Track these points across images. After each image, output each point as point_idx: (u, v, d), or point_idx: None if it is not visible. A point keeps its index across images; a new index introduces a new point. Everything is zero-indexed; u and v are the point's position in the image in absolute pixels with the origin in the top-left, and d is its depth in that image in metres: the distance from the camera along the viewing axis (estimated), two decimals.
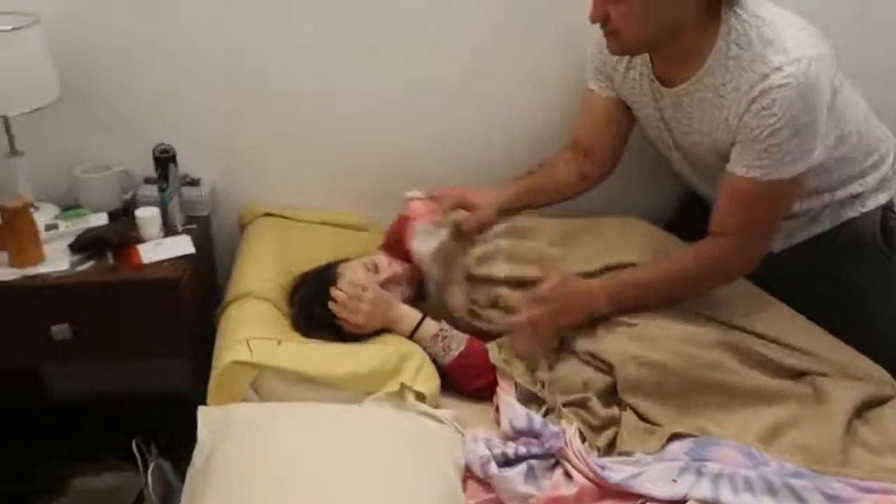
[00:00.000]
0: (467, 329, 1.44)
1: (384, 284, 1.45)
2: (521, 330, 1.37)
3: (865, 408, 1.31)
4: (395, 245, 1.55)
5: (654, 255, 1.49)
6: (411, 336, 1.41)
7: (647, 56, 1.44)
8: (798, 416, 1.29)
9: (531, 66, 1.74)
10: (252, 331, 1.32)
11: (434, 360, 1.37)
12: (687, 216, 1.68)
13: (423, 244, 1.47)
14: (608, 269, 1.45)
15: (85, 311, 1.48)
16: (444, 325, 1.42)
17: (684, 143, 1.47)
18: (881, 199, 1.51)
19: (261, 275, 1.51)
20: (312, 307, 1.43)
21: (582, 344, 1.39)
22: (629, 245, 1.52)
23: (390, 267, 1.49)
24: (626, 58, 1.47)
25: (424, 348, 1.38)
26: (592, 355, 1.37)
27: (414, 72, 1.72)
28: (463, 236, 1.50)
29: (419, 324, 1.41)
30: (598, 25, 1.35)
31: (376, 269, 1.48)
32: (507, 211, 1.55)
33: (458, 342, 1.39)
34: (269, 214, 1.73)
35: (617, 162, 1.63)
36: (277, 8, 1.64)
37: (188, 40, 1.64)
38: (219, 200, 1.77)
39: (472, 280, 1.49)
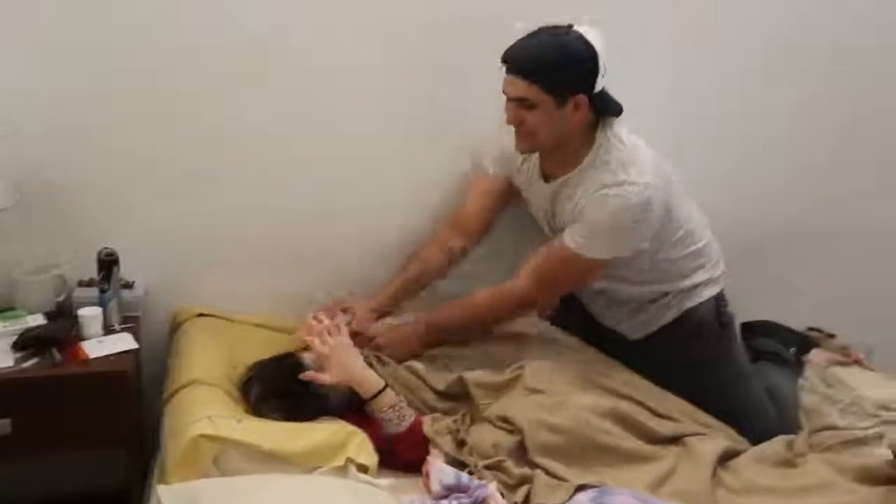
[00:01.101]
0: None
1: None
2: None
3: (726, 459, 1.59)
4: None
5: (542, 344, 1.81)
6: (371, 400, 1.54)
7: (536, 160, 1.77)
8: (674, 468, 1.55)
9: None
10: (211, 410, 1.42)
11: (384, 429, 1.52)
12: (564, 320, 1.98)
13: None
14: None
15: (28, 406, 1.53)
16: (401, 397, 1.59)
17: (556, 226, 1.77)
18: (714, 290, 1.85)
19: (205, 364, 1.63)
20: (279, 383, 1.56)
21: (494, 409, 1.60)
22: (527, 341, 1.82)
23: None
24: (518, 157, 1.79)
25: (379, 415, 1.53)
26: (504, 419, 1.57)
27: (346, 177, 1.91)
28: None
29: (382, 390, 1.55)
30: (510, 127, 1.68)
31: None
32: (384, 310, 1.86)
33: (409, 414, 1.55)
34: (203, 315, 1.84)
35: (482, 239, 1.92)
36: (210, 115, 1.80)
37: (124, 149, 1.77)
38: (150, 302, 1.87)
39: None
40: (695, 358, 1.81)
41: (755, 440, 1.68)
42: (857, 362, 2.14)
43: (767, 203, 2.26)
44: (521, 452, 1.54)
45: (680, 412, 1.69)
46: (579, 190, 1.68)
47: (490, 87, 1.66)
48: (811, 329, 2.23)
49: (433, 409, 1.63)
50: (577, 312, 1.95)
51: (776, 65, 2.18)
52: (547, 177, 1.76)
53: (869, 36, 2.22)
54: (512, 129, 1.70)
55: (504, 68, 1.61)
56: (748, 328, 2.11)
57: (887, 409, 1.83)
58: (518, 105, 1.62)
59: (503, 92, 1.64)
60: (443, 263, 1.90)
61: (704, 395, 1.74)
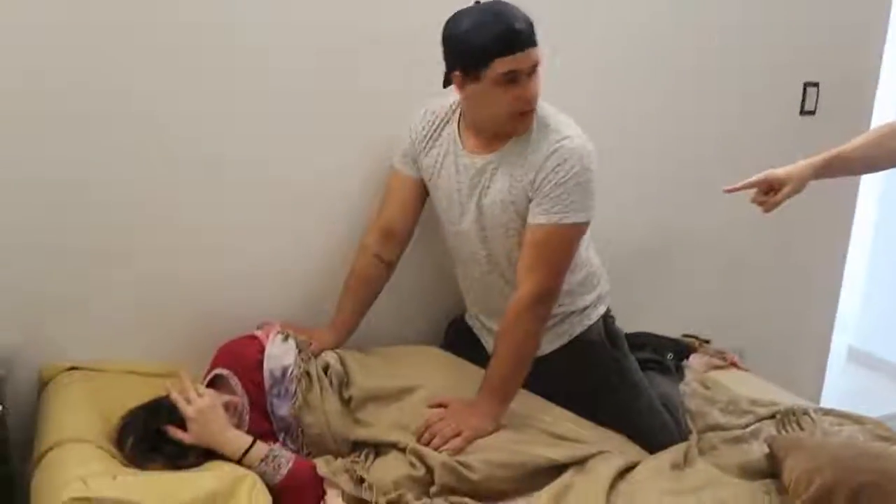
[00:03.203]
0: (338, 439, 1.62)
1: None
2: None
3: (625, 472, 1.63)
4: (235, 369, 1.65)
5: (449, 375, 1.77)
6: (240, 461, 1.49)
7: (454, 135, 1.74)
8: (571, 485, 1.57)
9: (348, 203, 1.95)
10: (83, 469, 1.33)
11: (266, 482, 1.45)
12: (454, 345, 1.97)
13: (280, 357, 1.66)
14: (414, 388, 1.71)
15: None
16: (274, 446, 1.53)
17: (482, 205, 1.71)
18: (603, 308, 1.89)
19: (76, 420, 1.52)
20: (152, 432, 1.47)
21: (409, 440, 1.59)
22: (427, 371, 1.79)
23: (224, 395, 1.59)
24: (429, 139, 1.77)
25: (254, 470, 1.46)
26: (417, 455, 1.56)
27: (220, 216, 1.83)
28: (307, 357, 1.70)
29: (248, 449, 1.50)
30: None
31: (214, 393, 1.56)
32: (343, 334, 1.83)
33: (286, 460, 1.50)
34: (74, 368, 1.73)
35: (408, 244, 1.88)
36: (78, 170, 1.70)
37: None
38: (15, 361, 1.73)
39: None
40: (591, 376, 1.84)
41: (657, 450, 1.73)
42: (733, 364, 2.27)
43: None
44: (424, 488, 1.53)
45: (579, 432, 1.72)
46: (520, 160, 1.66)
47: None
48: (686, 336, 2.34)
49: None
50: (468, 341, 1.95)
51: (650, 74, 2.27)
52: (471, 154, 1.73)
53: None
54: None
55: (515, 46, 1.53)
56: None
57: (762, 405, 1.93)
58: (534, 75, 1.59)
59: (520, 70, 1.55)
60: (380, 274, 1.87)
61: (603, 412, 1.78)
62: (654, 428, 1.80)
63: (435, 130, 1.78)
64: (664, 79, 2.29)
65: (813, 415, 1.87)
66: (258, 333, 1.75)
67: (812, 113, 2.54)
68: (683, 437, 1.80)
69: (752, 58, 2.40)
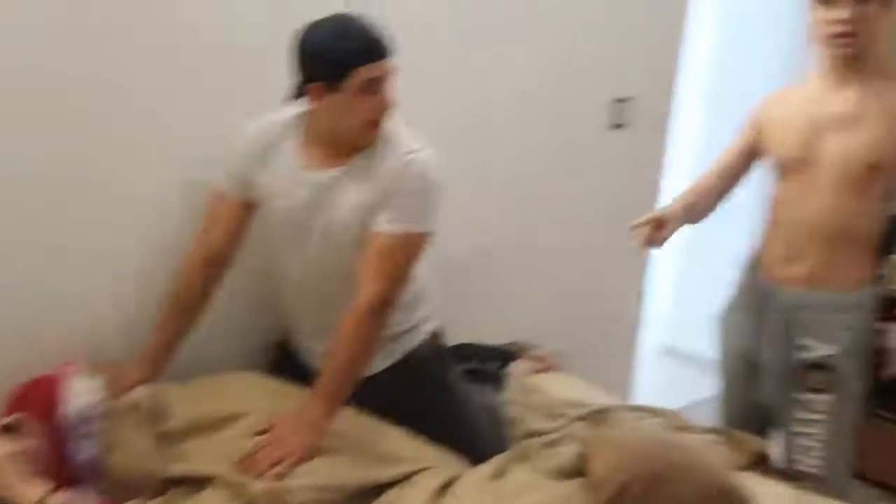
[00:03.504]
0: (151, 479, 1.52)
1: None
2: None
3: (448, 485, 1.64)
4: (32, 412, 1.53)
5: (274, 400, 1.72)
6: None
7: (297, 147, 1.70)
8: (393, 502, 1.59)
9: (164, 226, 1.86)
10: None
11: None
12: (278, 370, 1.92)
13: (83, 396, 1.53)
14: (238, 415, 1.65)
15: None
16: (76, 492, 1.43)
17: (331, 220, 1.70)
18: (431, 326, 1.90)
19: None
20: None
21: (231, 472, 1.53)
22: (251, 397, 1.74)
23: (20, 441, 1.46)
24: (263, 157, 1.72)
25: None
26: (236, 486, 1.50)
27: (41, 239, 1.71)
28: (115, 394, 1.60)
29: (43, 498, 1.39)
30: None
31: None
32: (156, 372, 1.72)
33: None
34: None
35: (229, 269, 1.80)
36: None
37: None
38: None
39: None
40: (420, 394, 1.84)
41: (483, 462, 1.75)
42: (552, 368, 2.37)
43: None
44: None
45: (406, 450, 1.72)
46: (369, 172, 1.66)
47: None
48: (509, 343, 2.42)
49: None
50: (293, 365, 1.90)
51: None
52: (315, 169, 1.70)
53: None
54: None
55: (376, 55, 1.59)
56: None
57: (574, 406, 2.03)
58: (390, 85, 1.64)
59: (380, 79, 1.60)
60: (200, 302, 1.78)
61: (431, 429, 1.79)
62: (479, 441, 1.83)
63: (270, 148, 1.73)
64: (483, 97, 2.37)
65: (619, 411, 1.99)
66: (58, 373, 1.62)
67: (619, 127, 2.70)
68: (506, 446, 1.85)
69: (564, 77, 2.52)
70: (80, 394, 1.57)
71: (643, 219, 1.92)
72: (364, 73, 1.57)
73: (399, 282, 1.69)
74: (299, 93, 1.66)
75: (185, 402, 1.67)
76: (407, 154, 1.67)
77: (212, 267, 1.78)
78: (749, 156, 2.00)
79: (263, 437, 1.61)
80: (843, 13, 1.72)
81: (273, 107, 1.76)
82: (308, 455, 1.59)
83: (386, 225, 1.66)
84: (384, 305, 1.67)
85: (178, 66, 1.80)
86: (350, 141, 1.68)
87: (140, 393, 1.64)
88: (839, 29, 1.74)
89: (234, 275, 1.85)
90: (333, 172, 1.69)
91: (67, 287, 1.77)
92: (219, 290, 1.82)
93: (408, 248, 1.68)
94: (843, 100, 1.81)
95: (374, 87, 1.59)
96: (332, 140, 1.69)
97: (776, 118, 1.94)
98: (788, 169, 1.88)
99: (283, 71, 1.67)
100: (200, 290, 1.78)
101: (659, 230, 1.90)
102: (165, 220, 1.87)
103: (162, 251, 1.85)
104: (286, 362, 1.93)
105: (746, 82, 3.30)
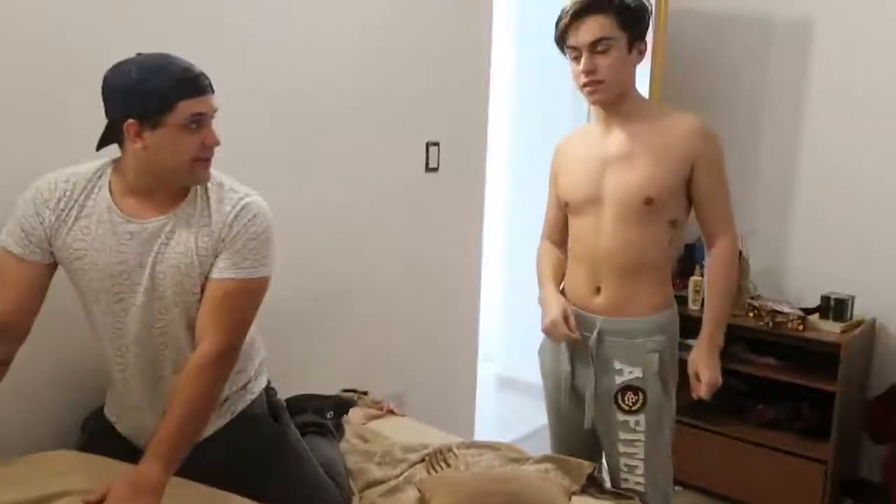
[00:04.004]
0: None
1: None
2: None
3: None
4: None
5: (92, 476, 1.57)
6: None
7: (107, 202, 1.58)
8: None
9: None
10: None
11: None
12: (92, 445, 1.76)
13: None
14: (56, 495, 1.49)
15: None
16: None
17: (156, 272, 1.58)
18: (262, 381, 1.83)
19: None
20: None
21: None
22: (67, 474, 1.58)
23: None
24: (68, 213, 1.58)
25: None
26: None
27: None
28: None
29: None
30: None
31: None
32: None
33: None
34: None
35: (24, 340, 1.62)
36: None
37: None
38: None
39: None
40: (255, 454, 1.76)
41: None
42: (390, 412, 2.36)
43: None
44: None
45: None
46: (202, 219, 1.59)
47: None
48: (345, 391, 2.39)
49: None
50: (109, 438, 1.76)
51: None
52: (136, 219, 1.58)
53: None
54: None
55: (199, 90, 1.54)
56: None
57: (413, 450, 2.03)
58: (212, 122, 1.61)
59: (205, 114, 1.56)
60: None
61: (269, 490, 1.71)
62: (321, 500, 1.77)
63: (75, 202, 1.59)
64: (305, 140, 2.37)
65: (456, 450, 2.02)
66: None
67: (436, 170, 2.78)
68: (347, 500, 1.82)
69: (382, 122, 2.58)
70: None
71: (557, 324, 1.97)
72: (188, 107, 1.51)
73: (241, 330, 1.64)
74: (107, 139, 1.57)
75: None
76: (241, 199, 1.63)
77: (3, 339, 1.60)
78: (565, 216, 2.12)
79: None
80: (584, 64, 1.88)
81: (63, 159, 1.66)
82: None
83: (229, 271, 1.60)
84: (228, 353, 1.60)
85: None
86: (175, 183, 1.60)
87: None
88: (584, 79, 1.91)
89: (37, 344, 1.67)
90: (158, 221, 1.60)
91: None
92: (14, 366, 1.63)
93: (249, 295, 1.63)
94: (615, 140, 1.97)
95: (198, 121, 1.54)
96: (153, 186, 1.59)
97: (566, 162, 2.09)
98: (580, 208, 2.02)
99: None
100: None
101: (567, 321, 1.96)
102: None
103: None
104: (101, 438, 1.77)
105: (548, 126, 3.56)
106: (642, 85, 2.01)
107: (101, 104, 1.53)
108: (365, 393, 2.41)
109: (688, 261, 3.29)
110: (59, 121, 1.80)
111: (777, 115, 3.33)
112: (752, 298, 3.17)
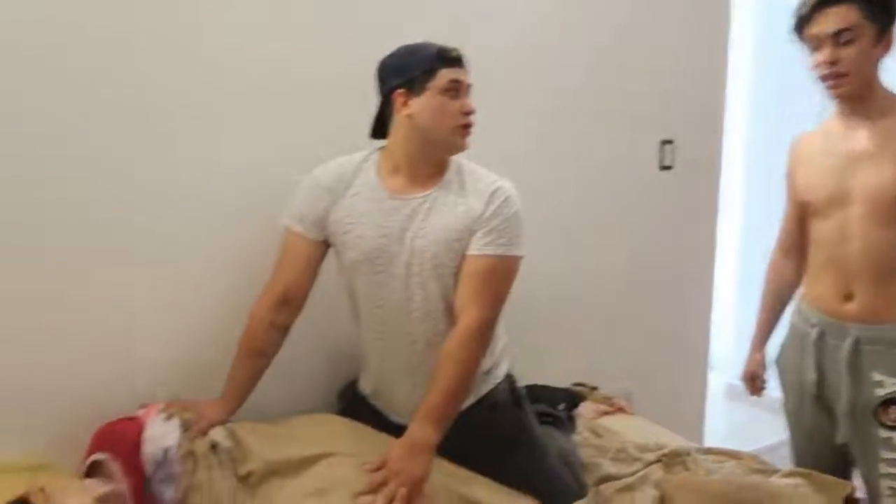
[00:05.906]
0: None
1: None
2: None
3: None
4: (115, 454, 1.55)
5: (354, 441, 1.71)
6: None
7: (373, 182, 1.75)
8: None
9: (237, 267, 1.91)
10: None
11: None
12: (347, 413, 1.90)
13: (163, 438, 1.56)
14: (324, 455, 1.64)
15: None
16: None
17: (415, 247, 1.70)
18: (505, 367, 1.88)
19: None
20: None
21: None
22: (331, 437, 1.72)
23: (107, 484, 1.48)
24: (339, 193, 1.75)
25: None
26: None
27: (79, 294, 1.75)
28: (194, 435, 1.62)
29: None
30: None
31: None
32: (230, 412, 1.74)
33: None
34: None
35: (302, 309, 1.81)
36: None
37: None
38: None
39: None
40: (497, 438, 1.81)
41: None
42: (621, 409, 2.34)
43: None
44: None
45: (490, 497, 1.69)
46: (459, 197, 1.72)
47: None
48: (576, 384, 2.40)
49: None
50: (363, 409, 1.90)
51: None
52: (399, 196, 1.74)
53: None
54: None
55: (455, 62, 1.70)
56: None
57: (648, 449, 1.99)
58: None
59: (462, 82, 1.71)
60: (274, 342, 1.80)
61: (510, 474, 1.76)
62: (558, 488, 1.79)
63: (346, 183, 1.76)
64: (547, 136, 2.44)
65: (695, 454, 1.95)
66: (139, 413, 1.66)
67: (669, 168, 2.72)
68: (583, 493, 1.81)
69: (615, 119, 2.57)
70: (160, 436, 1.60)
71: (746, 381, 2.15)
72: (447, 74, 1.66)
73: (498, 305, 1.72)
74: (379, 121, 1.75)
75: (261, 443, 1.66)
76: (494, 182, 1.74)
77: (283, 306, 1.78)
78: (803, 219, 1.98)
79: (379, 473, 1.58)
80: (825, 55, 1.75)
81: (336, 149, 1.83)
82: (422, 488, 1.57)
83: (487, 248, 1.69)
84: (488, 326, 1.69)
85: (244, 107, 1.91)
86: (438, 153, 1.73)
87: (217, 434, 1.66)
88: (825, 70, 1.76)
89: (304, 318, 1.86)
90: (418, 198, 1.72)
91: (146, 326, 1.83)
92: (291, 332, 1.84)
93: (505, 272, 1.71)
94: (860, 137, 1.81)
95: (457, 89, 1.68)
96: (417, 159, 1.73)
97: (804, 160, 1.95)
98: (823, 209, 1.87)
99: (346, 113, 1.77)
100: (273, 332, 1.80)
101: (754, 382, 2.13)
102: (237, 265, 1.92)
103: (234, 293, 1.89)
104: (356, 408, 1.92)
105: (786, 125, 3.31)
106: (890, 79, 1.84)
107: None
108: (595, 388, 2.41)
109: None
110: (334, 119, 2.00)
111: None
112: None
